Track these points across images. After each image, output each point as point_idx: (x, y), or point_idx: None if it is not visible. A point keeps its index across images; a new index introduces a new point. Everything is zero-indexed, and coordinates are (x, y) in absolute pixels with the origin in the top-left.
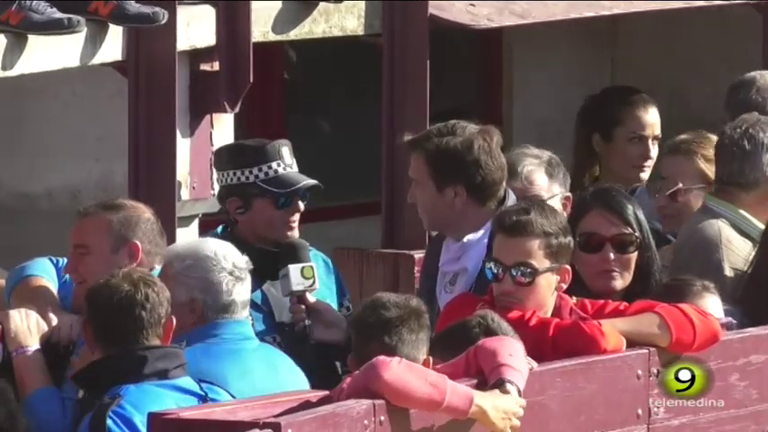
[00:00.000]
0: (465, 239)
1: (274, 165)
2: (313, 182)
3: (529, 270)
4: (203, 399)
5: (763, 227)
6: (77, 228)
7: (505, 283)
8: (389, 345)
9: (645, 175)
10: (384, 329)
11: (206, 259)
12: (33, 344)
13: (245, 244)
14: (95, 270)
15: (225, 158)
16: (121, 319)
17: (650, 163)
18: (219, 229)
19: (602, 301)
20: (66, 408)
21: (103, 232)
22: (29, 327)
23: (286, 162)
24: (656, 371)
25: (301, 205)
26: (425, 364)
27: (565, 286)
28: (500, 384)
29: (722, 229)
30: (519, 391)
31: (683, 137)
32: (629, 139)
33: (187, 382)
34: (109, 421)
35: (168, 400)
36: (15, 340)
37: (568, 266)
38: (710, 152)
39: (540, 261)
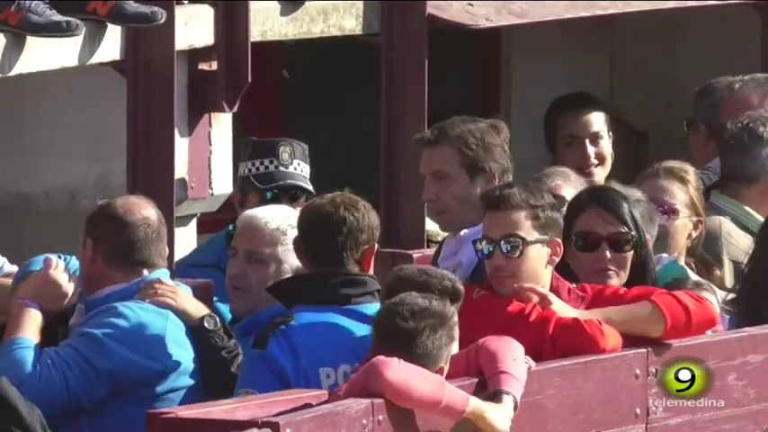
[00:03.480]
0: (462, 233)
1: (267, 161)
2: (296, 183)
3: (517, 241)
4: None
5: None
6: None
7: (496, 258)
8: (401, 354)
9: (596, 179)
10: (398, 340)
11: None
12: (41, 304)
13: None
14: (84, 272)
15: (240, 151)
16: (319, 238)
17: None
18: (231, 227)
19: (600, 286)
20: (43, 367)
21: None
22: (53, 287)
23: (281, 160)
24: (654, 370)
25: (291, 205)
26: (440, 372)
27: (557, 260)
28: (497, 395)
29: (723, 223)
30: (515, 404)
31: (671, 163)
32: (566, 144)
33: (373, 309)
34: (272, 340)
35: (342, 326)
36: (30, 289)
37: (559, 240)
38: (695, 181)
39: (528, 232)
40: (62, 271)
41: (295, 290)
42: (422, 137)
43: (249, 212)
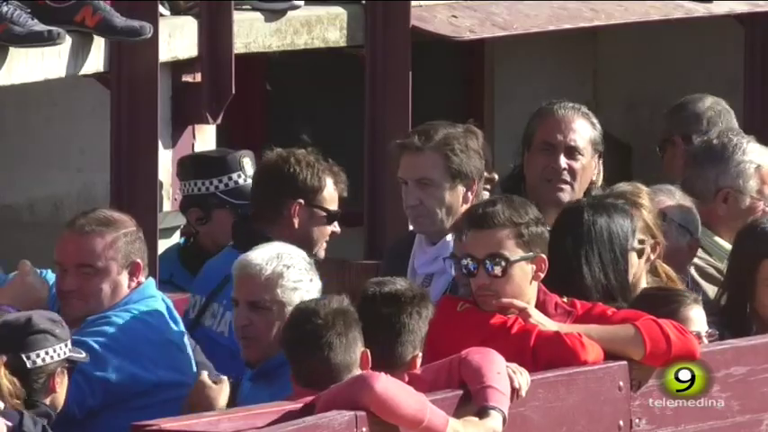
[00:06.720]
0: (447, 238)
1: (234, 176)
2: None
3: (501, 261)
4: None
5: (721, 242)
6: (79, 246)
7: (480, 277)
8: (321, 356)
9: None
10: (314, 344)
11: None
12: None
13: (208, 255)
14: (101, 290)
15: (187, 169)
16: None
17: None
18: (182, 240)
19: (591, 303)
20: None
21: (113, 253)
22: (32, 292)
23: (247, 173)
24: (637, 383)
25: None
26: (363, 357)
27: (542, 275)
28: (484, 411)
29: None
30: (504, 418)
31: (622, 188)
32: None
33: None
34: None
35: None
36: (8, 296)
37: (544, 256)
38: (649, 203)
39: (512, 251)
40: (36, 275)
41: None
42: (406, 143)
43: (243, 260)
